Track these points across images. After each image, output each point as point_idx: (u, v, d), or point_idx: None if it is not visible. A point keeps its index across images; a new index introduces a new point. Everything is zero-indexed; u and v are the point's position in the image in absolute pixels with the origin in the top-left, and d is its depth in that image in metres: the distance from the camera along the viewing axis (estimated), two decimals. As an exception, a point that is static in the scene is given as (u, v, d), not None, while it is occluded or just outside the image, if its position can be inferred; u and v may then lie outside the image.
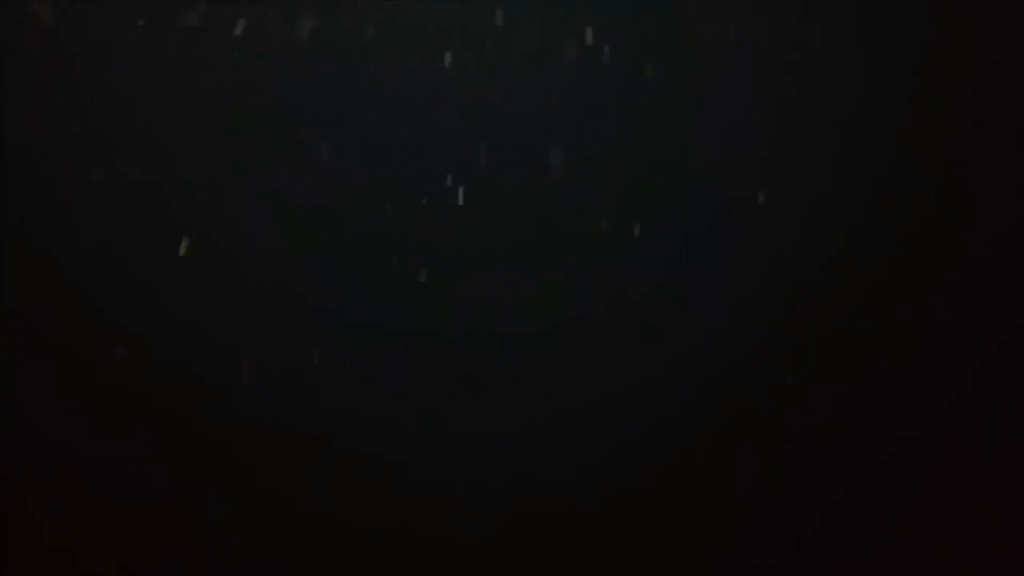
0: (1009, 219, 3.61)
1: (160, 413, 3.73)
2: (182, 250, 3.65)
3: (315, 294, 3.79)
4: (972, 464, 3.58)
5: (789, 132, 3.66)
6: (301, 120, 3.74)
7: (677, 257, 3.71)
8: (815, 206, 3.66)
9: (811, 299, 3.65)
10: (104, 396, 3.74)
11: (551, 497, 3.64)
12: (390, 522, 3.68)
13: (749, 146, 3.67)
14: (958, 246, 3.63)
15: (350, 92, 3.76)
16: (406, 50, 3.70)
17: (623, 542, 3.65)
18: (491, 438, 3.66)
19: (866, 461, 3.63)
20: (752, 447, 3.63)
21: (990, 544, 3.52)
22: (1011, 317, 3.61)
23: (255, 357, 3.76)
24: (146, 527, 3.71)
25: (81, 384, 3.73)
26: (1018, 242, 3.61)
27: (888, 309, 3.65)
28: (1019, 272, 3.59)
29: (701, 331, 3.68)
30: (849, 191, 3.67)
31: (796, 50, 3.62)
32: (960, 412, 3.61)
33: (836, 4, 3.62)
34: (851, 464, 3.62)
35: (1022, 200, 3.60)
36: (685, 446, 3.63)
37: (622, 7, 3.62)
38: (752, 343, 3.67)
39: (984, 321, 3.62)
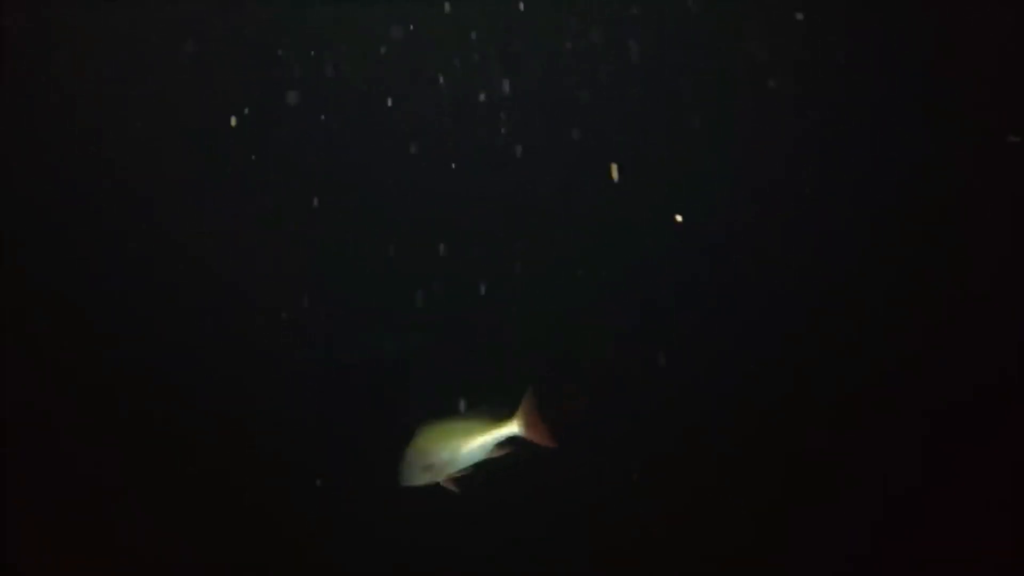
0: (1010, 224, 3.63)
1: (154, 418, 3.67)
2: None
3: (311, 298, 3.76)
4: (979, 467, 3.58)
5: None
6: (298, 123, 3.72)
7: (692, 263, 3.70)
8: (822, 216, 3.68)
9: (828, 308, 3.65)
10: (98, 399, 3.67)
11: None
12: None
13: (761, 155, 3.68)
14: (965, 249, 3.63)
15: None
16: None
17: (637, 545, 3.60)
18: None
19: (872, 466, 3.62)
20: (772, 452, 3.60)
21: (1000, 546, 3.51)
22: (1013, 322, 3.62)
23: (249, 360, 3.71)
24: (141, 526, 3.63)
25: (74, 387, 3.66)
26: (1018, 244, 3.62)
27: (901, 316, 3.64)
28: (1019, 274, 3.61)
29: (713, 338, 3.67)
30: (861, 201, 3.69)
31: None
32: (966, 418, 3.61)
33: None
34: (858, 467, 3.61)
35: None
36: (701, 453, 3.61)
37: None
38: (764, 351, 3.66)
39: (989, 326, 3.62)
